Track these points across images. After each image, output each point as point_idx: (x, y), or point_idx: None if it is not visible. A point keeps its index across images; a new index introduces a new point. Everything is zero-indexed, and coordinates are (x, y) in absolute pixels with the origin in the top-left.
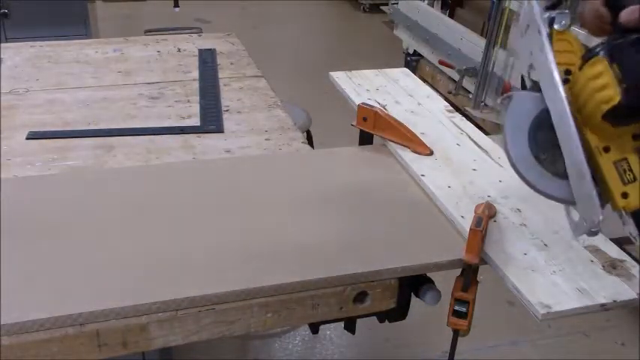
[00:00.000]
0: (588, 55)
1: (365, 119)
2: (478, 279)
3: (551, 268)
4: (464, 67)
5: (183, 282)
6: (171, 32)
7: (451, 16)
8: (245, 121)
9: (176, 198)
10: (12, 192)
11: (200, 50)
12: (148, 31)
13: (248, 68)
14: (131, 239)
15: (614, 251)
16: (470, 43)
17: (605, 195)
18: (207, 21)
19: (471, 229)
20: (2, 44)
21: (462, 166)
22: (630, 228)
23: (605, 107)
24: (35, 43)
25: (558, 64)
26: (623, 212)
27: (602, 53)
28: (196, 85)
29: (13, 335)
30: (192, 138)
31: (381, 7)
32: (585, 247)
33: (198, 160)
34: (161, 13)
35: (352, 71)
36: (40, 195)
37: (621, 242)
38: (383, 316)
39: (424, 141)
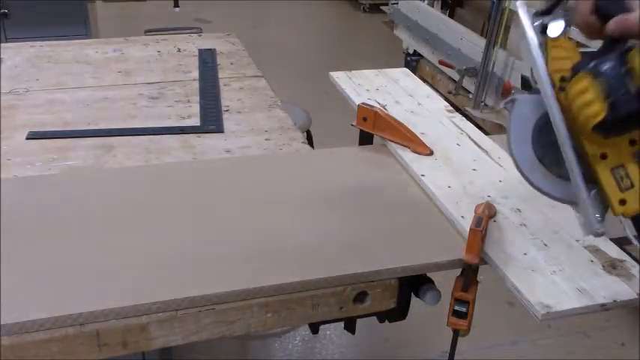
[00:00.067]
0: (575, 69)
1: (365, 119)
2: (478, 279)
3: (551, 268)
4: (464, 67)
5: (183, 282)
6: (171, 32)
7: (451, 16)
8: (245, 121)
9: (176, 198)
10: (12, 192)
11: (200, 50)
12: (148, 31)
13: (248, 68)
14: (131, 239)
15: (614, 251)
16: (470, 43)
17: (604, 200)
18: (207, 21)
19: (471, 229)
20: (2, 44)
21: (462, 166)
22: (630, 231)
23: (593, 122)
24: (35, 43)
25: (554, 71)
26: (622, 218)
27: (587, 68)
28: (196, 85)
29: (13, 335)
30: (192, 138)
31: (381, 7)
32: (585, 247)
33: (198, 160)
34: (161, 13)
35: (352, 71)
36: (40, 195)
37: (621, 242)
38: (383, 316)
39: (424, 141)
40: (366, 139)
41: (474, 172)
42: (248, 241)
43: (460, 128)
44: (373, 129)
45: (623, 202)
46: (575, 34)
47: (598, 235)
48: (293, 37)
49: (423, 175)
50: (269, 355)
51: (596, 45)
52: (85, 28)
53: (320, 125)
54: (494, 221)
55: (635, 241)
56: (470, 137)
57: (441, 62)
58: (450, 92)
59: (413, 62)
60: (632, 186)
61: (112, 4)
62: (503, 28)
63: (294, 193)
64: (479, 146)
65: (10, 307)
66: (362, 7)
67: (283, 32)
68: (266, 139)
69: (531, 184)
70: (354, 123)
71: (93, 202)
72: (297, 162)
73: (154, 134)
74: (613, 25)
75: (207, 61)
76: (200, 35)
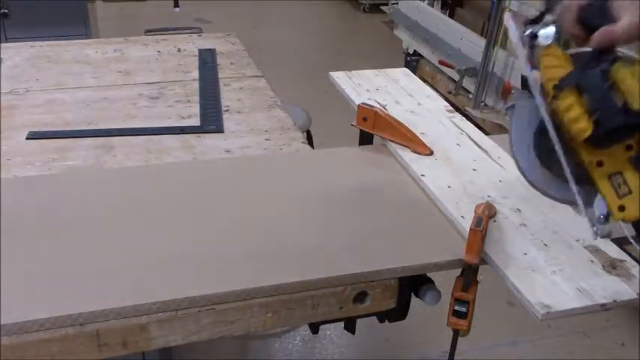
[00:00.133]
0: (562, 83)
1: (365, 119)
2: (478, 279)
3: (551, 268)
4: (464, 67)
5: (183, 282)
6: (171, 32)
7: (451, 16)
8: (245, 121)
9: (176, 198)
10: (12, 192)
11: (200, 50)
12: (148, 31)
13: (248, 68)
14: (131, 239)
15: (614, 251)
16: (470, 43)
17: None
18: (207, 21)
19: (471, 229)
20: (2, 44)
21: (462, 166)
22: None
23: (581, 137)
24: (35, 43)
25: (548, 79)
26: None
27: (572, 84)
28: (196, 85)
29: (13, 335)
30: (192, 138)
31: (381, 7)
32: (585, 247)
33: (198, 160)
34: (161, 13)
35: (352, 71)
36: (40, 195)
37: (621, 242)
38: (383, 316)
39: (424, 141)
40: (366, 139)
41: (474, 172)
42: (248, 241)
43: (460, 128)
44: (373, 129)
45: (622, 208)
46: None
47: (605, 236)
48: (293, 37)
49: (423, 175)
50: (269, 355)
51: None
52: (85, 28)
53: (320, 125)
54: (494, 221)
55: (633, 242)
56: (470, 137)
57: (441, 62)
58: (450, 92)
59: (413, 62)
60: (630, 192)
61: (112, 4)
62: (503, 28)
63: (294, 193)
64: (479, 146)
65: (10, 307)
66: (362, 7)
67: (283, 32)
68: (266, 139)
69: (534, 186)
70: (354, 123)
71: (93, 202)
72: (297, 162)
73: (154, 134)
74: (598, 37)
75: (207, 61)
76: (200, 35)
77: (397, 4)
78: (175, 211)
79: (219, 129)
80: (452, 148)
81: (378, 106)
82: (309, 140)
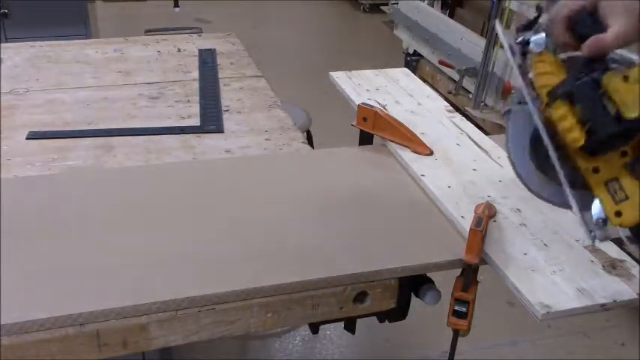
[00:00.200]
0: (555, 92)
1: (365, 119)
2: (478, 279)
3: (551, 268)
4: (464, 67)
5: (183, 282)
6: (171, 32)
7: (451, 16)
8: (245, 121)
9: (176, 198)
10: (12, 192)
11: (200, 50)
12: (148, 31)
13: (248, 68)
14: (131, 239)
15: (614, 251)
16: (470, 43)
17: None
18: (207, 21)
19: (471, 229)
20: (2, 44)
21: (462, 166)
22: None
23: (575, 146)
24: (35, 43)
25: (541, 86)
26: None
27: (564, 94)
28: (196, 85)
29: (13, 335)
30: (192, 138)
31: (381, 7)
32: (585, 247)
33: (198, 160)
34: (161, 13)
35: (352, 71)
36: (40, 195)
37: (621, 242)
38: (383, 316)
39: (424, 141)
40: (366, 139)
41: (474, 172)
42: (248, 241)
43: (460, 128)
44: (373, 129)
45: (619, 213)
46: None
47: (603, 239)
48: (293, 37)
49: (423, 175)
50: (269, 355)
51: None
52: (85, 28)
53: (320, 125)
54: (494, 221)
55: (627, 242)
56: (470, 137)
57: (441, 62)
58: (450, 92)
59: (413, 62)
60: (627, 198)
61: (112, 4)
62: (503, 28)
63: (294, 193)
64: (479, 146)
65: (10, 307)
66: (362, 7)
67: (283, 32)
68: (266, 139)
69: (530, 190)
70: (354, 123)
71: (93, 202)
72: (297, 162)
73: (154, 134)
74: (588, 46)
75: (207, 61)
76: (200, 35)
77: (397, 4)
78: (175, 211)
79: (219, 129)
80: (452, 148)
81: (378, 106)
82: (309, 140)
